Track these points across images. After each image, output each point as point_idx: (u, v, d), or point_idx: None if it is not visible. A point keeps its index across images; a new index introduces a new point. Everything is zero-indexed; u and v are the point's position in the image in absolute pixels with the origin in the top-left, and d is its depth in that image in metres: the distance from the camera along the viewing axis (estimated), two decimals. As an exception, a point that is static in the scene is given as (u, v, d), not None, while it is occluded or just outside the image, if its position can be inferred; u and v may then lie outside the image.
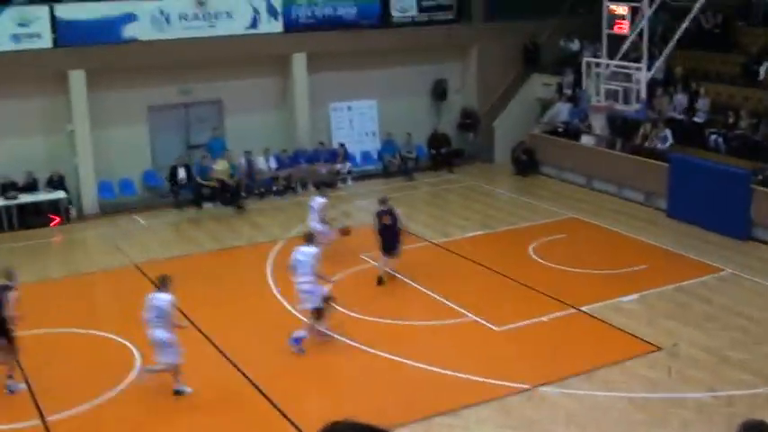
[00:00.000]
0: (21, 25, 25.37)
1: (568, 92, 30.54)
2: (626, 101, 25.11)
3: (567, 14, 32.86)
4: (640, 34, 25.45)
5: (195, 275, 21.33)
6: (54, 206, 25.81)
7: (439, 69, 32.28)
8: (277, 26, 28.75)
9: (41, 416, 15.16)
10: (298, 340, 17.08)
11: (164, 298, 15.32)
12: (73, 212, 26.20)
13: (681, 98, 27.19)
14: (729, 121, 25.68)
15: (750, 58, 27.40)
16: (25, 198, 25.58)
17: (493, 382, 15.85)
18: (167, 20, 27.00)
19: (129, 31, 26.64)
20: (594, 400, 15.26)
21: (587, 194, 27.86)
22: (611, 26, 25.83)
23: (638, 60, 25.66)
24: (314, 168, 29.00)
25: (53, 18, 25.71)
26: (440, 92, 32.23)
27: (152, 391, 15.88)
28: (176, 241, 24.44)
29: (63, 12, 25.89)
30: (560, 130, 30.06)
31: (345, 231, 22.30)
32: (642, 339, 17.43)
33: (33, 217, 25.66)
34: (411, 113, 31.51)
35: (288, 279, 20.62)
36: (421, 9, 31.10)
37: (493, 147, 32.01)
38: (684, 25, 25.84)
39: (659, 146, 26.33)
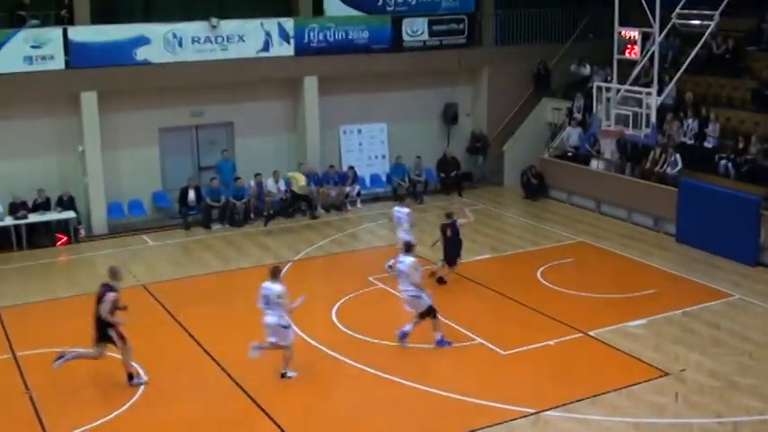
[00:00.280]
0: (34, 47, 25.40)
1: (578, 116, 30.49)
2: (636, 126, 25.01)
3: (577, 39, 32.92)
4: (651, 59, 25.39)
5: (203, 297, 21.41)
6: (63, 226, 25.85)
7: (449, 93, 32.31)
8: (289, 50, 28.76)
9: (45, 435, 15.12)
10: (404, 334, 18.01)
11: (274, 288, 16.52)
12: (82, 232, 26.23)
13: (691, 123, 27.09)
14: (739, 146, 25.56)
15: (761, 84, 27.30)
16: (34, 218, 25.59)
17: (499, 405, 15.74)
18: (180, 43, 27.03)
19: (142, 53, 26.66)
20: (600, 425, 15.12)
21: (596, 219, 27.77)
22: (621, 51, 25.75)
23: (648, 85, 25.58)
24: (323, 191, 28.96)
25: (66, 40, 25.73)
26: (450, 115, 32.21)
27: (156, 410, 15.82)
28: (184, 262, 24.41)
29: (76, 34, 25.93)
30: (570, 154, 30.01)
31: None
32: (649, 364, 17.30)
33: (43, 236, 25.69)
34: (421, 137, 31.52)
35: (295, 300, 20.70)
36: (432, 33, 31.09)
37: (502, 170, 31.99)
38: (695, 50, 25.78)
39: (669, 171, 26.23)
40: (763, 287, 21.66)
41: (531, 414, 15.42)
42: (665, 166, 26.44)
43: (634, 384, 16.46)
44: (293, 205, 28.09)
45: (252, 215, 27.81)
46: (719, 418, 15.27)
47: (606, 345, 18.26)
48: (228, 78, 27.83)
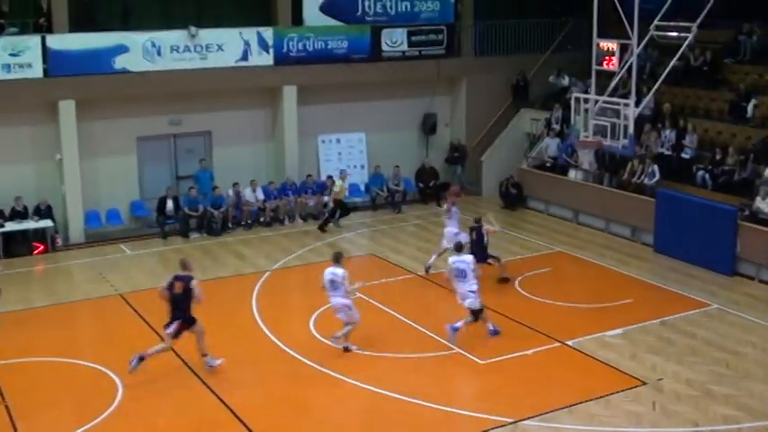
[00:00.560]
0: (12, 55, 25.32)
1: (557, 127, 30.57)
2: (614, 136, 25.11)
3: (556, 50, 33.06)
4: (629, 70, 25.50)
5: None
6: (40, 235, 25.74)
7: (428, 103, 32.37)
8: (268, 59, 28.76)
9: (20, 445, 15.05)
10: (455, 328, 18.62)
11: (337, 272, 17.91)
12: (59, 241, 26.13)
13: (669, 134, 27.22)
14: (717, 157, 25.69)
15: (738, 96, 27.46)
16: (11, 226, 25.48)
17: (476, 415, 15.75)
18: (159, 51, 26.99)
19: (121, 62, 26.60)
20: (577, 434, 15.18)
21: (574, 229, 27.86)
22: (600, 62, 25.87)
23: (626, 96, 25.71)
24: (301, 200, 28.97)
25: (44, 48, 25.64)
26: (429, 125, 32.29)
27: (133, 421, 15.75)
28: (162, 271, 24.14)
29: (54, 42, 25.85)
30: (548, 164, 30.09)
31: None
32: (626, 373, 17.35)
33: (20, 245, 25.58)
34: (400, 147, 31.58)
35: (272, 310, 20.68)
36: (411, 44, 31.14)
37: (481, 180, 32.04)
38: (673, 62, 25.92)
39: (646, 181, 26.36)
40: (740, 297, 21.78)
41: (509, 423, 15.41)
42: (643, 176, 26.55)
43: (611, 393, 16.49)
44: (335, 212, 28.35)
45: (230, 224, 27.78)
46: (696, 427, 15.33)
47: (584, 354, 18.30)
48: (207, 87, 27.80)
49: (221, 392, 16.67)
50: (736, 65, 29.30)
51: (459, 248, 19.19)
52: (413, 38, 31.16)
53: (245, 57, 28.34)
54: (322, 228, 27.82)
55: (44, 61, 25.70)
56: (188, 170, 28.76)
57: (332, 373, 17.41)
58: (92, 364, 17.92)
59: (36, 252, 25.60)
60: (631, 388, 16.77)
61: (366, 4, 30.99)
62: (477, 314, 18.79)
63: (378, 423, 15.80)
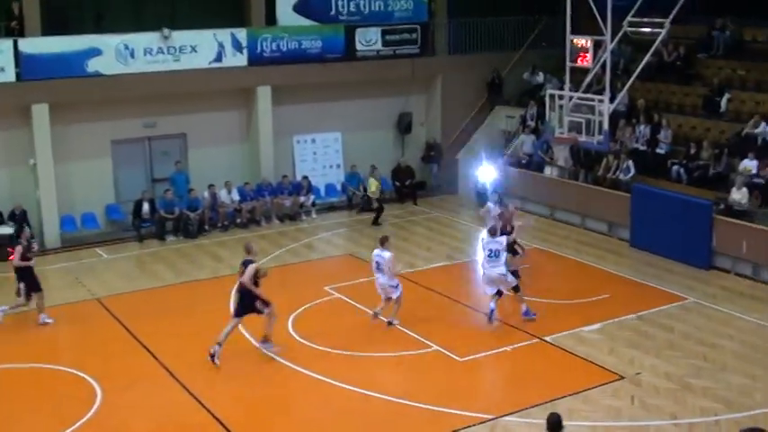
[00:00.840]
0: (-17, 59, 25.27)
1: (532, 124, 30.69)
2: (589, 132, 25.18)
3: (530, 47, 33.17)
4: (603, 67, 25.56)
5: (158, 310, 21.29)
6: (15, 240, 25.56)
7: (403, 102, 32.42)
8: (242, 60, 28.75)
9: (-1, 451, 15.00)
10: (528, 313, 19.87)
11: (383, 255, 19.30)
12: (35, 246, 25.95)
13: (643, 129, 27.40)
14: (691, 152, 25.90)
15: (711, 90, 27.69)
16: (-14, 232, 25.38)
17: (456, 412, 15.80)
18: (132, 54, 26.92)
19: (94, 65, 26.52)
20: (557, 430, 15.23)
21: (550, 225, 27.96)
22: (574, 59, 25.87)
23: (600, 93, 25.72)
24: (277, 201, 28.97)
25: (17, 52, 25.52)
26: (404, 125, 32.36)
27: (110, 428, 15.72)
28: (139, 275, 24.28)
29: (27, 46, 25.74)
30: (524, 161, 30.20)
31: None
32: (605, 368, 17.48)
33: (-5, 251, 25.46)
34: (375, 146, 31.62)
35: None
36: (385, 43, 31.19)
37: (457, 179, 32.11)
38: (646, 58, 26.02)
39: (622, 177, 26.51)
40: (716, 290, 21.97)
41: (489, 420, 15.49)
42: (618, 172, 26.71)
43: (590, 388, 16.61)
44: (372, 208, 28.74)
45: (206, 226, 27.76)
46: (675, 419, 15.46)
47: (562, 349, 18.41)
48: (181, 89, 27.75)
49: (201, 395, 16.64)
50: (710, 60, 29.53)
51: (493, 232, 19.75)
52: (387, 37, 31.21)
53: (218, 58, 28.32)
54: (375, 222, 28.43)
55: (16, 65, 25.58)
56: (163, 173, 28.70)
57: (312, 374, 17.42)
58: (70, 369, 17.87)
59: (10, 257, 25.40)
60: (610, 382, 16.89)
61: (339, 3, 30.99)
62: (501, 293, 19.84)
63: (359, 422, 15.82)
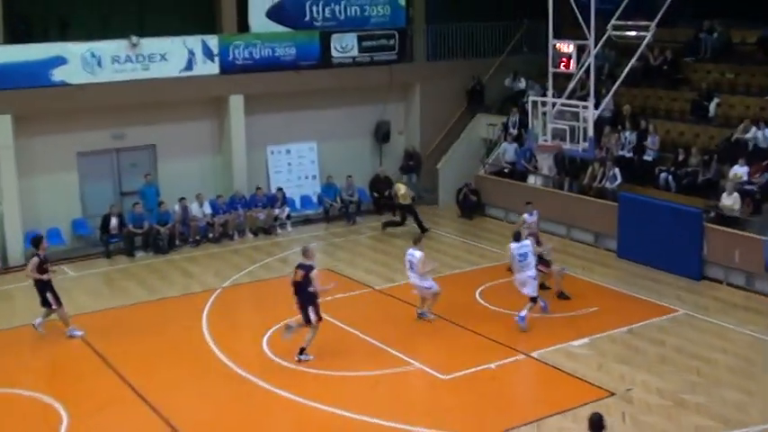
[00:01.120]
0: (-55, 70, 24.90)
1: (514, 132, 30.52)
2: (573, 140, 24.96)
3: (511, 53, 33.03)
4: (587, 72, 25.37)
5: (127, 329, 20.90)
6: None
7: (381, 110, 32.19)
8: (213, 68, 28.45)
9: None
10: (522, 317, 20.04)
11: (415, 254, 20.24)
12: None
13: (629, 136, 27.27)
14: (679, 158, 25.77)
15: (699, 95, 27.57)
16: (-53, 250, 24.96)
17: (439, 433, 15.55)
18: (99, 62, 26.56)
19: (59, 74, 26.16)
20: (546, 450, 14.98)
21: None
22: (556, 64, 25.66)
23: (585, 98, 25.53)
24: (251, 214, 28.64)
25: (-23, 62, 25.24)
26: (382, 133, 32.14)
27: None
28: (107, 293, 23.91)
29: (-12, 55, 25.44)
30: (506, 170, 30.01)
31: None
32: (594, 385, 17.22)
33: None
34: (352, 156, 31.39)
35: (223, 330, 20.36)
36: (362, 49, 30.99)
37: (437, 189, 31.89)
38: (632, 62, 25.84)
39: (608, 185, 26.32)
40: (709, 301, 21.80)
41: (474, 441, 15.24)
42: (604, 180, 26.55)
43: (579, 406, 16.33)
44: (404, 216, 28.59)
45: (177, 241, 27.41)
46: (668, 438, 15.23)
47: (549, 366, 18.16)
48: (150, 99, 27.40)
49: (171, 417, 16.31)
50: (697, 63, 29.43)
51: (518, 237, 20.36)
52: (363, 43, 31.01)
53: (189, 66, 28.00)
54: (422, 228, 27.95)
55: (-23, 76, 25.25)
56: (132, 186, 28.31)
57: (286, 395, 17.11)
58: (33, 393, 17.48)
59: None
60: (600, 399, 16.62)
61: (314, 9, 30.67)
62: (535, 299, 20.29)
63: (337, 445, 15.54)
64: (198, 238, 27.73)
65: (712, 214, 23.42)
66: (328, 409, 16.54)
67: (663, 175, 25.70)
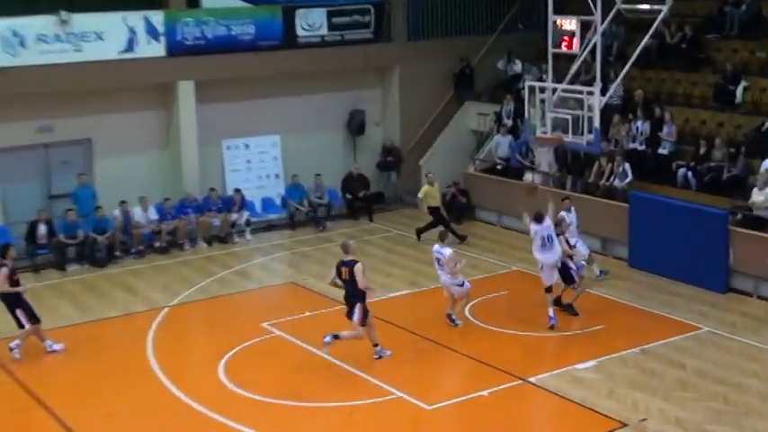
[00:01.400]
0: None
1: (508, 122, 30.63)
2: (577, 131, 25.05)
3: (505, 31, 33.10)
4: (592, 52, 25.47)
5: (57, 356, 20.73)
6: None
7: (355, 98, 32.31)
8: (159, 49, 28.50)
9: None
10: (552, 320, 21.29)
11: (443, 252, 21.22)
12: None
13: (641, 126, 27.36)
14: (701, 151, 25.87)
15: (724, 77, 27.68)
16: None
17: (423, 472, 15.58)
18: (22, 42, 26.51)
19: (-26, 56, 26.19)
20: (548, 491, 15.00)
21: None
22: (557, 44, 25.78)
23: (590, 83, 25.66)
24: (204, 220, 28.64)
25: None
26: (356, 125, 32.22)
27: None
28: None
29: None
30: (500, 167, 30.13)
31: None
32: (603, 414, 17.22)
33: None
34: (322, 151, 31.51)
35: (172, 356, 20.32)
36: (332, 27, 31.08)
37: (419, 189, 31.86)
38: (645, 40, 25.90)
39: (617, 183, 26.40)
40: (736, 317, 21.88)
41: (464, 481, 15.27)
42: (613, 177, 26.64)
43: (586, 439, 16.41)
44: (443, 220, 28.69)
45: (117, 252, 27.34)
46: (690, 476, 15.29)
47: (550, 393, 18.17)
48: (85, 85, 27.43)
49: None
50: (722, 41, 29.55)
51: (539, 218, 21.50)
52: (334, 20, 31.13)
53: (130, 47, 28.02)
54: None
55: None
56: (64, 188, 28.26)
57: (247, 429, 17.02)
58: None
59: None
60: (610, 431, 16.61)
61: (276, -20, 30.82)
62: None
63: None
64: (142, 248, 27.72)
65: (739, 216, 23.51)
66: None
67: (681, 170, 25.81)
